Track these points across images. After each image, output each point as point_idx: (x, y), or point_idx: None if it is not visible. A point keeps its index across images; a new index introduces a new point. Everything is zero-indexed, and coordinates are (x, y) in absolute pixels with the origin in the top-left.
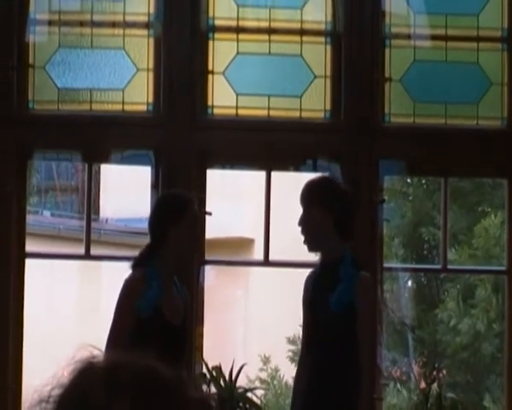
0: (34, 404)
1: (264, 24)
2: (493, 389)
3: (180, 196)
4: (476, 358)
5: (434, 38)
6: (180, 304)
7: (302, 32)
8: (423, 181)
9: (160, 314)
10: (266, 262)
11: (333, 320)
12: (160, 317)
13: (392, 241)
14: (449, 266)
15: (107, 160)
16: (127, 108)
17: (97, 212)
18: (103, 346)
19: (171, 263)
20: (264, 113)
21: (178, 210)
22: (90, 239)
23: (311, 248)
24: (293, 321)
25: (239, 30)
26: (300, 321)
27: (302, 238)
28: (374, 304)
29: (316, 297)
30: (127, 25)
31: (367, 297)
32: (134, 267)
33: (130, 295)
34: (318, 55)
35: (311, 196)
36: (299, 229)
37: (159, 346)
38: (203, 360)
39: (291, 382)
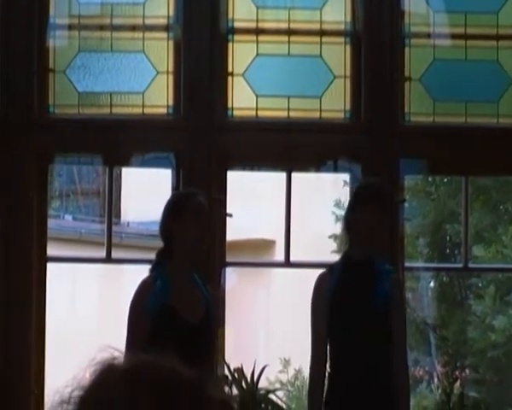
0: (55, 405)
1: (284, 25)
2: None
3: (180, 194)
4: (507, 358)
5: (454, 36)
6: (199, 302)
7: (321, 33)
8: (445, 180)
9: (170, 311)
10: (287, 263)
11: (376, 316)
12: (171, 314)
13: (416, 240)
14: (470, 265)
15: (128, 163)
16: (147, 111)
17: (119, 215)
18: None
19: (181, 261)
20: (284, 114)
21: (177, 208)
22: (112, 243)
23: (368, 248)
24: None
25: (258, 31)
26: None
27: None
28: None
29: (347, 296)
30: (147, 28)
31: (402, 292)
32: (150, 271)
33: (138, 298)
34: (338, 56)
35: (382, 199)
36: (354, 229)
37: (174, 343)
38: (225, 361)
39: None
